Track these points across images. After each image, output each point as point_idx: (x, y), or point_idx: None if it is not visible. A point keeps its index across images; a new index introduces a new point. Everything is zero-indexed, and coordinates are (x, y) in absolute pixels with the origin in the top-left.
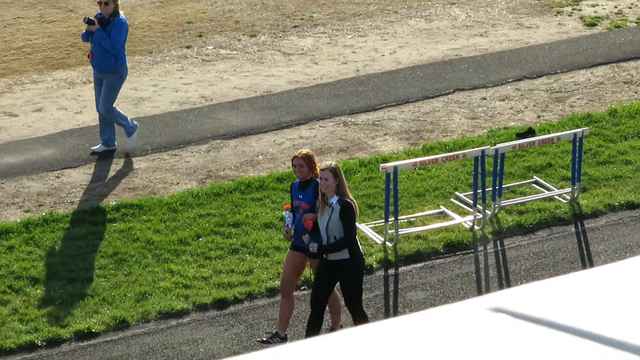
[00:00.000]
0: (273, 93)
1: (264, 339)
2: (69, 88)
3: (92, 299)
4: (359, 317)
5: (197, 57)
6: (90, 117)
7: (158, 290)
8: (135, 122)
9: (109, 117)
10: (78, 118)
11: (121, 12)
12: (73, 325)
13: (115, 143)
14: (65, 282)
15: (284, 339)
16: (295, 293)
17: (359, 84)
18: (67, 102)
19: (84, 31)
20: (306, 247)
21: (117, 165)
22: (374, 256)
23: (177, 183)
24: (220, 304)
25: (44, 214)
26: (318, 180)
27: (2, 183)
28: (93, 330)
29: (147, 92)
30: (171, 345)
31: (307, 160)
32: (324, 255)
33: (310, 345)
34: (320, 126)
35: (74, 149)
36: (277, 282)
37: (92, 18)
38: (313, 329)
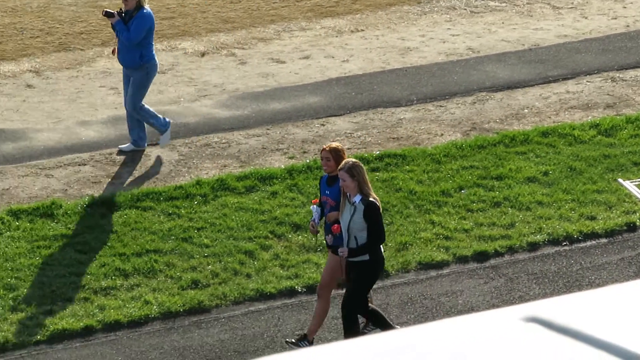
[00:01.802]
0: (541, 46)
1: (293, 340)
2: (336, 36)
3: None
4: (350, 323)
5: (465, 9)
6: (357, 66)
7: (419, 240)
8: (167, 119)
9: (136, 116)
10: (344, 66)
11: (146, 6)
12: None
13: (146, 144)
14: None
15: (310, 343)
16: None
17: (629, 40)
18: (334, 50)
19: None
20: (337, 245)
21: (381, 114)
22: (637, 214)
23: (442, 134)
24: (481, 256)
25: (307, 161)
26: None
27: (268, 129)
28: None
29: (414, 42)
30: (430, 296)
31: (335, 154)
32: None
33: (352, 346)
34: (587, 81)
35: (340, 97)
36: (539, 237)
37: (112, 11)
38: (374, 321)
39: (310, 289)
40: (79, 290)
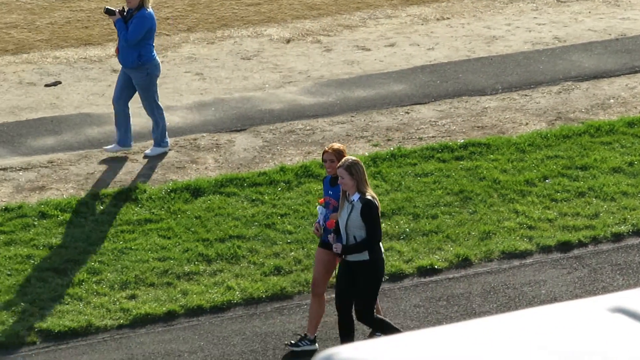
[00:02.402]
0: (628, 36)
1: (292, 342)
2: (422, 24)
3: (435, 235)
4: (377, 325)
5: None
6: (442, 54)
7: (502, 230)
8: (168, 142)
9: (153, 118)
10: (430, 54)
11: (149, 7)
12: (416, 261)
13: (132, 143)
14: (410, 217)
15: (312, 342)
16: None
17: None
18: (419, 38)
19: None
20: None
21: (466, 102)
22: None
23: (527, 123)
24: (564, 246)
25: (391, 148)
26: None
27: (352, 116)
28: (436, 266)
29: (500, 30)
30: (513, 285)
31: (338, 155)
32: (343, 255)
33: (440, 334)
34: None
35: (425, 85)
36: (624, 228)
37: (113, 9)
38: (344, 333)
39: (391, 277)
40: (162, 275)
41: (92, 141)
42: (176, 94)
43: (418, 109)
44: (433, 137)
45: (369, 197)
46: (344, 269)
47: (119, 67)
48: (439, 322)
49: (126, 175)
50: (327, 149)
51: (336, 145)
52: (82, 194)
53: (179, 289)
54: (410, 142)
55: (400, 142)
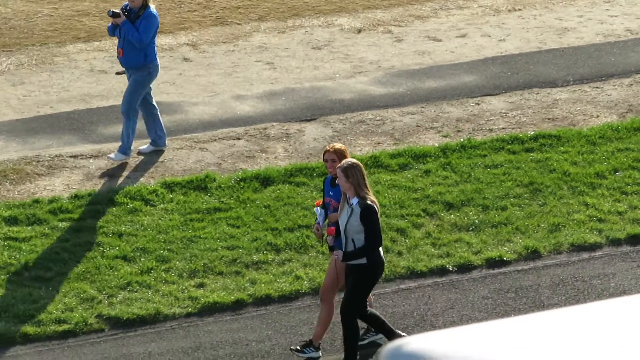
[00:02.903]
0: None
1: (298, 347)
2: (493, 15)
3: (505, 227)
4: (350, 328)
5: None
6: (514, 45)
7: (572, 222)
8: (130, 150)
9: (125, 117)
10: (501, 46)
11: (152, 6)
12: (485, 253)
13: (165, 142)
14: (480, 209)
15: (317, 349)
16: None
17: None
18: (490, 29)
19: (109, 24)
20: (337, 247)
21: (537, 94)
22: None
23: (597, 116)
24: (635, 239)
25: (461, 139)
26: None
27: (423, 107)
28: (505, 258)
29: (572, 22)
30: (582, 278)
31: (339, 155)
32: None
33: (509, 326)
34: None
35: (495, 77)
36: None
37: (118, 10)
38: (376, 326)
39: (461, 268)
40: (230, 264)
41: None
42: (247, 83)
43: (488, 100)
44: (503, 128)
45: (369, 202)
46: (348, 273)
47: (190, 55)
48: (507, 314)
49: (196, 164)
50: (328, 148)
51: (338, 145)
52: (152, 182)
53: (247, 277)
54: (480, 133)
55: (470, 133)
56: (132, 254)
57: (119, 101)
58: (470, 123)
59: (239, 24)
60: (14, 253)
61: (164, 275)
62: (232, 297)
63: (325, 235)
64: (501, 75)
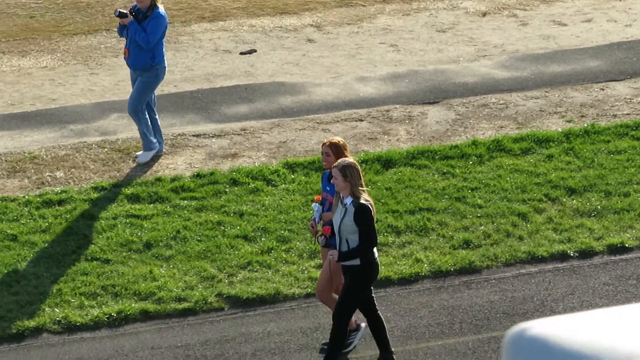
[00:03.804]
0: None
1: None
2: (620, 0)
3: (627, 213)
4: (340, 330)
5: None
6: None
7: None
8: (157, 145)
9: (134, 118)
10: (627, 31)
11: (160, 6)
12: (607, 239)
13: (159, 146)
14: (602, 194)
15: (357, 329)
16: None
17: None
18: (617, 14)
19: (119, 25)
20: (332, 246)
21: None
22: None
23: None
24: None
25: (585, 125)
26: None
27: (547, 92)
28: (627, 245)
29: None
30: None
31: (335, 149)
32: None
33: (634, 312)
34: None
35: (621, 62)
36: None
37: (125, 11)
38: (376, 329)
39: (582, 254)
40: None
41: (286, 110)
42: (370, 64)
43: (613, 85)
44: (628, 114)
45: (363, 202)
46: (344, 273)
47: (314, 36)
48: (628, 301)
49: (317, 144)
50: (325, 141)
51: (335, 139)
52: (274, 162)
53: None
54: (604, 119)
55: (594, 118)
56: (252, 234)
57: (242, 81)
58: (594, 108)
59: (363, 5)
60: (136, 230)
61: (284, 256)
62: None
63: (319, 233)
64: (626, 61)
